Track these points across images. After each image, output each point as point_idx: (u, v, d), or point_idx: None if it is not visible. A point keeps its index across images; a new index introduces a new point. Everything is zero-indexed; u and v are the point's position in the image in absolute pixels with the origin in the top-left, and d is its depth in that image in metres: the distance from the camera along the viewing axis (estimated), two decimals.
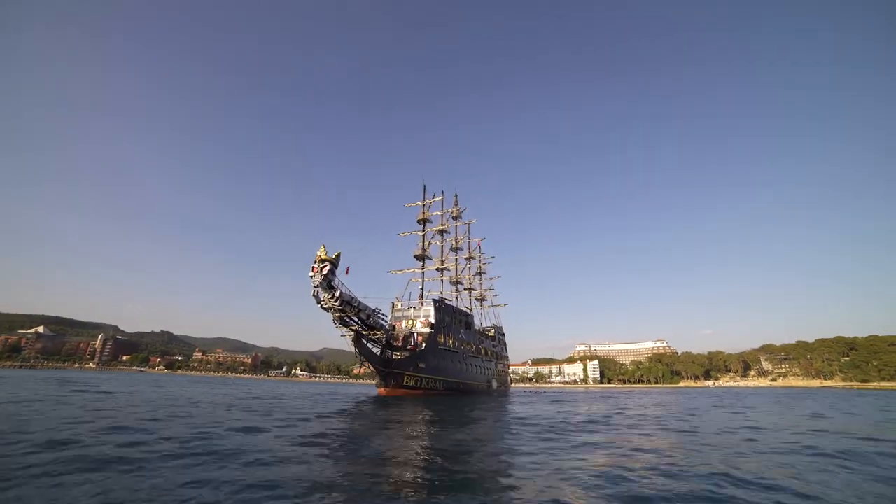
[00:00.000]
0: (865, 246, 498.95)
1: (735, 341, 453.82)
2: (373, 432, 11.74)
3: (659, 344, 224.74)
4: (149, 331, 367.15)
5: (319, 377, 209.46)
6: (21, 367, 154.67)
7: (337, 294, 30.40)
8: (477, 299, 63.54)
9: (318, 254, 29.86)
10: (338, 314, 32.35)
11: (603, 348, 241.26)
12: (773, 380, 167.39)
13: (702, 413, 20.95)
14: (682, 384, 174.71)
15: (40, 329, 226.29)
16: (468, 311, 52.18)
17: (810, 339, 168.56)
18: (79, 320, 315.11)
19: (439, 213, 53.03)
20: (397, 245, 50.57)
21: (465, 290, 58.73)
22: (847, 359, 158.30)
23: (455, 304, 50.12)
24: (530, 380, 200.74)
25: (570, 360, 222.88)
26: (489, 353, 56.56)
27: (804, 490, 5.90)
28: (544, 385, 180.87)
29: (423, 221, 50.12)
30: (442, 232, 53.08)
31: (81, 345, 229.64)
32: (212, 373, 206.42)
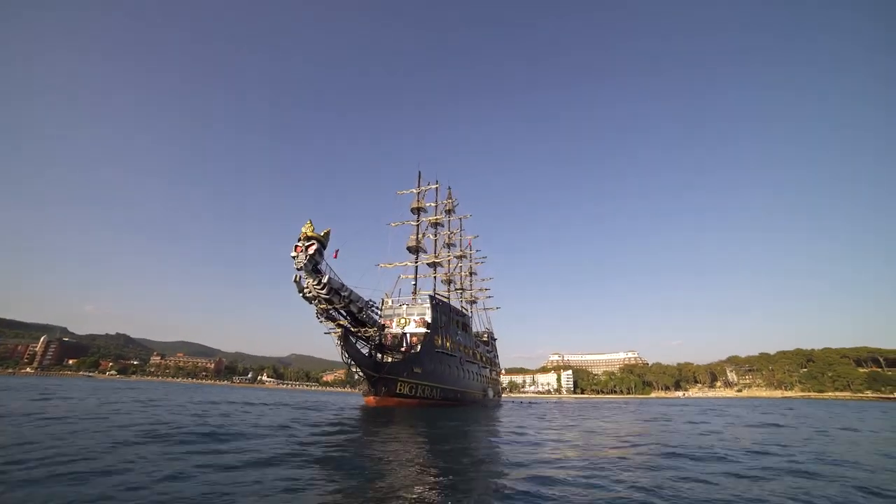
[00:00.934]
0: (820, 264, 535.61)
1: (703, 352, 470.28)
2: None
3: (630, 355, 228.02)
4: (103, 333, 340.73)
5: (287, 384, 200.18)
6: None
7: (325, 280, 24.86)
8: (468, 301, 58.76)
9: (304, 229, 24.25)
10: (323, 306, 26.71)
11: (576, 358, 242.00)
12: (739, 391, 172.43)
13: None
14: (653, 395, 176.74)
15: None
16: (465, 311, 47.36)
17: (773, 351, 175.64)
18: (20, 321, 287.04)
19: (433, 204, 48.18)
20: (387, 235, 45.14)
21: (456, 290, 53.85)
22: (805, 370, 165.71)
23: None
24: (504, 389, 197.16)
25: (544, 370, 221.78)
26: (484, 359, 51.75)
27: None
28: (519, 395, 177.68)
29: (418, 210, 45.02)
30: (436, 224, 48.14)
31: (20, 347, 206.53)
32: (170, 378, 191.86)
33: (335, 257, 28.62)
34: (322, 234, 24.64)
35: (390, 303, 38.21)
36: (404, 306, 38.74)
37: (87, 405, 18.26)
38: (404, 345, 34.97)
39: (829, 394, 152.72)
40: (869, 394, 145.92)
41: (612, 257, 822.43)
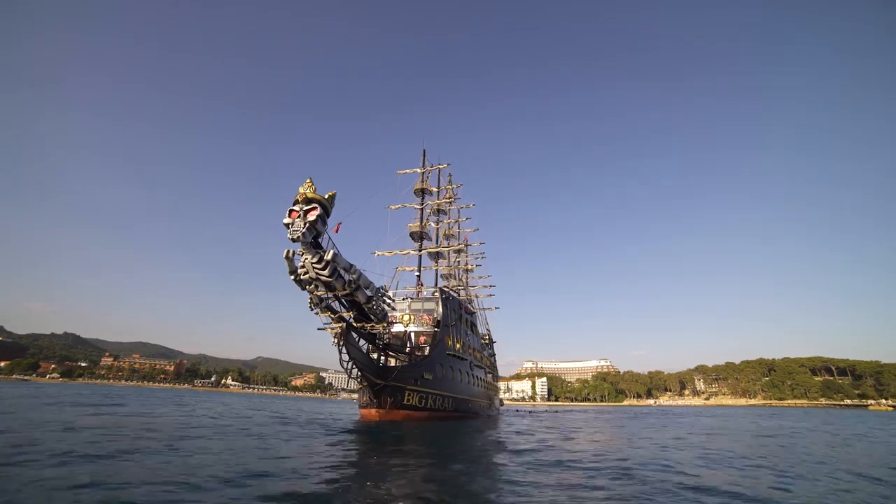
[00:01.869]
0: (789, 275, 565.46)
1: (668, 360, 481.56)
2: None
3: (603, 363, 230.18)
4: (47, 333, 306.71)
5: (254, 388, 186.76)
6: None
7: (328, 257, 18.55)
8: (467, 299, 53.32)
9: (302, 189, 17.79)
10: (321, 292, 20.41)
11: (549, 366, 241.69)
12: (707, 398, 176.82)
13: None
14: (626, 402, 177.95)
15: None
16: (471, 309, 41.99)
17: (738, 360, 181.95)
18: None
19: (437, 189, 42.60)
20: (386, 220, 39.10)
21: (456, 286, 48.34)
22: (767, 379, 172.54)
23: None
24: None
25: (518, 377, 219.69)
26: (490, 364, 46.40)
27: None
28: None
29: (423, 192, 39.27)
30: (439, 211, 42.56)
31: None
32: (123, 381, 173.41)
33: (336, 231, 22.47)
34: (326, 196, 18.54)
35: (392, 295, 32.18)
36: (408, 300, 32.94)
37: None
38: (409, 345, 29.20)
39: (789, 401, 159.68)
40: (823, 401, 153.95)
41: (585, 265, 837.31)
